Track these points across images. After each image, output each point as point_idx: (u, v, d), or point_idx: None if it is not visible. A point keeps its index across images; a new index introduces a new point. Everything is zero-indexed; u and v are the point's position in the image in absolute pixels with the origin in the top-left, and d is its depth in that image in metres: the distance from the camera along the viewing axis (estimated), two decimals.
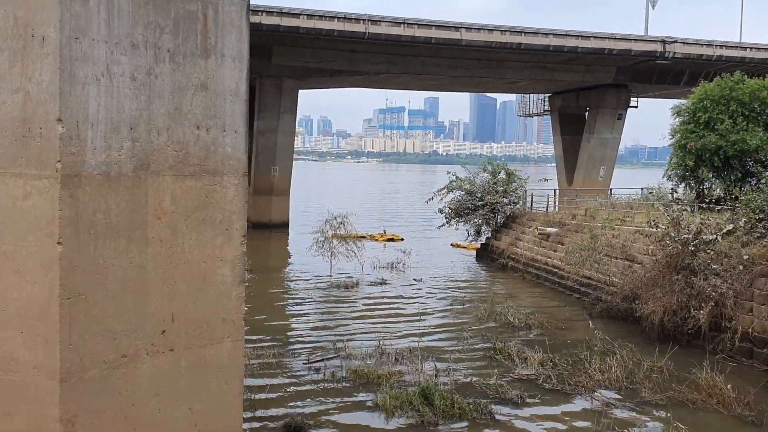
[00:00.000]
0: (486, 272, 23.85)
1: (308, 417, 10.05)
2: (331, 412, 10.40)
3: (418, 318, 16.50)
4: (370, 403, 10.63)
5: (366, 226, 35.59)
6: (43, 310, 4.97)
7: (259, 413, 10.13)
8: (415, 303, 18.26)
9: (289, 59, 33.43)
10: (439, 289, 20.29)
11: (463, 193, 26.62)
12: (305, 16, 30.01)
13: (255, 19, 29.22)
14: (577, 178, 41.39)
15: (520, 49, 33.93)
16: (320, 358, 12.80)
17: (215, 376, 5.88)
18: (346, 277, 21.03)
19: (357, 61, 34.43)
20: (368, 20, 30.78)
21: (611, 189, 34.84)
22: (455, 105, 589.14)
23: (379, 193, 62.45)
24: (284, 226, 35.07)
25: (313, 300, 18.73)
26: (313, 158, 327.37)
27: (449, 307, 17.86)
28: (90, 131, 5.01)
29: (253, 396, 10.73)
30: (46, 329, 4.97)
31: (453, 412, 10.23)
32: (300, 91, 36.10)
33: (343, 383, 11.60)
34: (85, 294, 5.07)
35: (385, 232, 32.55)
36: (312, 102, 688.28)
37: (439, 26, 32.17)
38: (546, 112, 45.54)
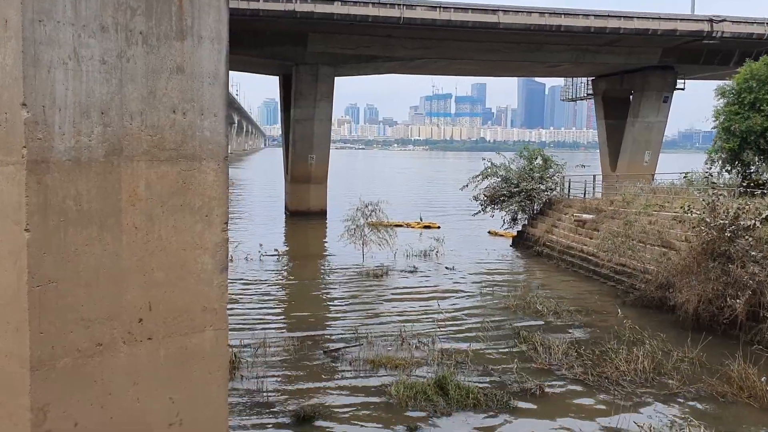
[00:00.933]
0: (520, 260, 23.41)
1: (320, 406, 9.93)
2: (343, 401, 10.25)
3: (440, 306, 16.23)
4: (383, 393, 10.45)
5: (404, 214, 35.37)
6: (12, 297, 4.90)
7: (272, 400, 10.06)
8: (443, 291, 18.00)
9: (324, 46, 33.30)
10: (470, 277, 19.97)
11: (499, 180, 26.16)
12: (339, 2, 29.78)
13: (289, 6, 29.21)
14: (621, 164, 40.34)
15: (559, 32, 33.08)
16: (340, 347, 12.67)
17: (197, 366, 5.76)
18: (377, 266, 20.85)
19: (392, 46, 34.08)
20: (403, 5, 30.39)
21: (655, 174, 33.92)
22: (503, 91, 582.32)
23: (422, 181, 62.03)
24: (322, 214, 35.05)
25: (340, 288, 18.64)
26: (360, 146, 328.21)
27: (478, 296, 17.54)
28: (57, 116, 4.90)
29: (265, 384, 10.68)
30: (16, 317, 4.91)
31: (467, 402, 9.99)
32: (342, 79, 35.88)
33: (360, 372, 11.45)
34: (56, 281, 4.98)
35: (421, 220, 32.27)
36: (358, 90, 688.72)
37: (476, 9, 31.57)
38: (590, 96, 44.41)
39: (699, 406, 10.27)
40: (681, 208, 15.58)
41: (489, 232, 29.28)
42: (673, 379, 11.19)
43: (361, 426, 9.37)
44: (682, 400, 10.46)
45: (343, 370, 11.56)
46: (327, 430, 9.22)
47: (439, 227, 31.47)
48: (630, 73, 39.35)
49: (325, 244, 27.52)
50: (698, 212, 14.59)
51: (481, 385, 10.65)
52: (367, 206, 23.23)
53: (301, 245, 27.73)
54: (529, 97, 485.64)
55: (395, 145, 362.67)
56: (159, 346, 5.52)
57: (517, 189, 25.29)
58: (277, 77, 39.14)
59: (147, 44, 5.25)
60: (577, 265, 20.85)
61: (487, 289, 18.27)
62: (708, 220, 14.18)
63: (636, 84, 39.36)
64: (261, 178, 73.70)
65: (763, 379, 10.90)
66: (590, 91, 43.81)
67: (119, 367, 5.30)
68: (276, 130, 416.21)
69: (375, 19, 30.34)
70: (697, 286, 14.24)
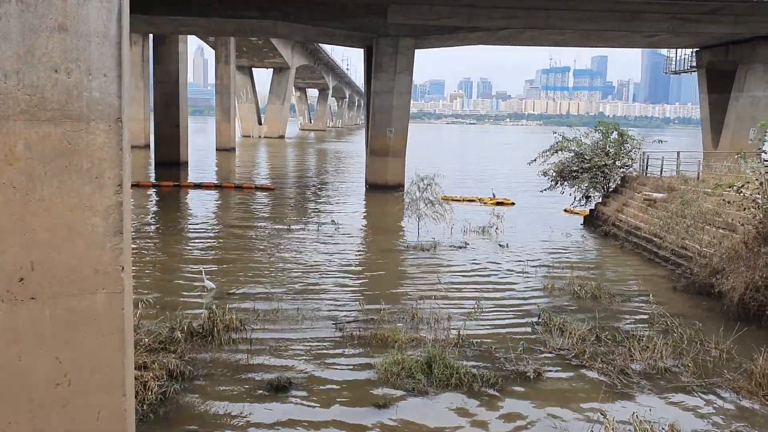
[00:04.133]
0: (584, 240, 22.32)
1: (302, 376, 9.86)
2: (328, 373, 10.12)
3: (466, 285, 15.74)
4: (371, 368, 10.23)
5: (483, 189, 34.68)
6: None
7: (257, 368, 10.07)
8: (483, 269, 17.45)
9: (405, 17, 32.81)
10: (521, 254, 19.22)
11: (572, 155, 25.00)
12: None
13: None
14: (723, 141, 37.63)
15: None
16: (351, 320, 12.52)
17: (89, 328, 5.76)
18: (427, 240, 20.50)
19: (476, 16, 33.10)
20: None
21: (761, 151, 31.40)
22: (625, 64, 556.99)
23: (515, 156, 60.39)
24: (399, 187, 34.84)
25: (379, 260, 18.42)
26: (471, 121, 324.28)
27: (518, 274, 16.85)
28: None
29: (259, 351, 10.72)
30: None
31: (450, 382, 9.61)
32: (454, 53, 35.26)
33: (359, 346, 11.26)
34: None
35: (494, 196, 31.44)
36: (472, 64, 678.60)
37: None
38: (693, 69, 41.56)
39: (703, 401, 9.40)
40: (730, 187, 14.26)
41: (565, 210, 28.12)
42: (689, 371, 10.31)
43: (332, 399, 9.21)
44: (686, 394, 9.61)
45: (342, 343, 11.39)
46: (294, 399, 9.11)
47: (513, 204, 30.60)
48: (736, 44, 36.48)
49: (388, 218, 27.29)
50: (751, 192, 13.30)
51: (475, 367, 10.22)
52: (423, 180, 22.79)
53: (367, 218, 27.72)
54: (654, 70, 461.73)
55: (507, 119, 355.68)
56: (44, 307, 5.56)
57: (588, 165, 24.08)
58: (362, 50, 39.04)
59: (22, 2, 5.21)
60: (641, 247, 19.64)
61: (532, 268, 17.51)
62: (760, 200, 12.90)
63: (743, 56, 36.44)
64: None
65: None
66: (694, 64, 41.00)
67: None
68: None
69: None
70: (744, 272, 13.06)
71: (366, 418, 8.66)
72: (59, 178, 5.47)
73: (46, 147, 5.39)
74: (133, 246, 19.12)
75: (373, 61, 34.62)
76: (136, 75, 64.54)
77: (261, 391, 9.33)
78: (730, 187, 14.38)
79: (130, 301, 6.19)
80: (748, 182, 13.79)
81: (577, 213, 26.94)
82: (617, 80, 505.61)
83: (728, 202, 14.70)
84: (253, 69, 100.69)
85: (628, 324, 12.74)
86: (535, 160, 25.37)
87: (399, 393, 9.40)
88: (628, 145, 24.58)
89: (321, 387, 9.62)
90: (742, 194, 13.46)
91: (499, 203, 30.53)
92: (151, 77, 52.60)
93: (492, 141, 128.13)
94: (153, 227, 22.89)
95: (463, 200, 31.56)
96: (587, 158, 24.30)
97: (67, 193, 5.51)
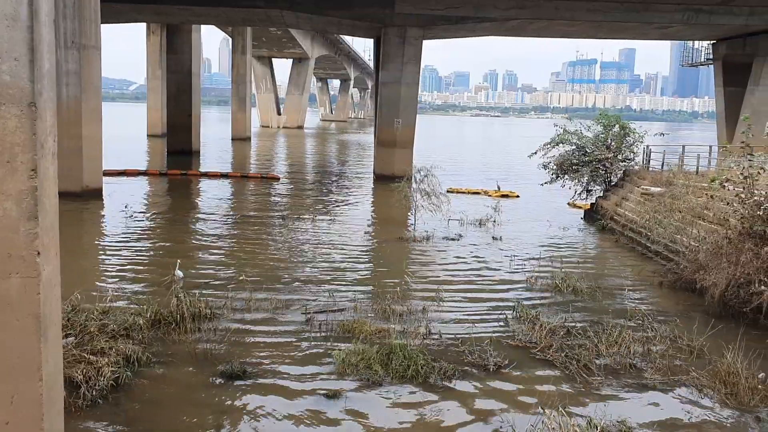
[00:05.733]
0: (580, 233, 22.06)
1: (259, 365, 9.84)
2: (286, 363, 10.08)
3: (446, 277, 15.62)
4: (330, 359, 10.19)
5: (489, 182, 34.46)
6: None
7: (217, 357, 10.06)
8: (473, 261, 17.32)
9: (413, 7, 32.63)
10: (513, 247, 19.05)
11: (573, 147, 24.68)
12: None
13: None
14: (738, 135, 36.82)
15: None
16: (320, 310, 12.47)
17: (2, 313, 5.78)
18: (421, 232, 20.40)
19: (483, 6, 32.82)
20: None
21: None
22: (654, 57, 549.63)
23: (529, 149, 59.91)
24: (404, 178, 34.67)
25: (366, 252, 18.37)
26: (495, 114, 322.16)
27: (505, 268, 16.68)
28: None
29: (222, 340, 10.73)
30: None
31: (406, 374, 9.54)
32: (481, 44, 35.11)
33: (323, 337, 11.21)
34: None
35: (499, 189, 31.19)
36: (498, 56, 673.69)
37: None
38: (710, 62, 40.83)
39: (660, 399, 9.22)
40: (712, 180, 13.95)
41: (569, 204, 27.83)
42: (653, 367, 10.14)
43: (283, 388, 9.18)
44: (643, 390, 9.44)
45: (307, 335, 11.34)
46: (245, 388, 9.10)
47: (518, 196, 30.37)
48: (753, 36, 35.76)
49: (387, 210, 27.15)
50: (734, 186, 13.00)
51: (437, 359, 10.13)
52: (419, 171, 22.68)
53: (366, 209, 27.67)
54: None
55: (532, 112, 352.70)
56: None
57: (588, 158, 23.77)
58: (373, 40, 38.91)
59: None
60: (636, 241, 19.36)
61: (520, 260, 17.34)
62: (742, 195, 12.61)
63: (759, 48, 35.73)
64: None
65: (761, 375, 9.71)
66: (710, 57, 40.28)
67: None
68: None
69: None
70: (726, 268, 12.79)
71: (312, 408, 8.62)
72: None
73: None
74: (131, 231, 19.35)
75: (381, 51, 34.50)
76: (155, 64, 65.00)
77: (214, 379, 9.33)
78: (712, 181, 14.08)
79: (53, 286, 6.18)
80: (730, 177, 13.47)
81: (580, 207, 26.64)
82: (645, 73, 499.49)
83: (711, 197, 14.39)
84: (273, 59, 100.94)
85: (603, 318, 12.52)
86: (535, 152, 25.10)
87: (353, 384, 9.34)
88: (629, 138, 24.20)
89: (275, 376, 9.60)
90: (725, 188, 13.15)
91: (504, 196, 30.31)
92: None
93: (514, 133, 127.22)
94: (150, 214, 23.01)
95: (468, 192, 31.40)
96: (588, 151, 23.97)
97: None
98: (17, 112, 5.62)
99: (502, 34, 37.86)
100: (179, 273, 13.79)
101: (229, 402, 8.71)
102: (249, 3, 32.20)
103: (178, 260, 14.48)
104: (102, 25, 26.02)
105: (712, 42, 40.11)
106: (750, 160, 12.97)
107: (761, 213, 12.29)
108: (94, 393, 8.48)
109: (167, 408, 8.51)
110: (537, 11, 33.18)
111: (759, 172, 12.75)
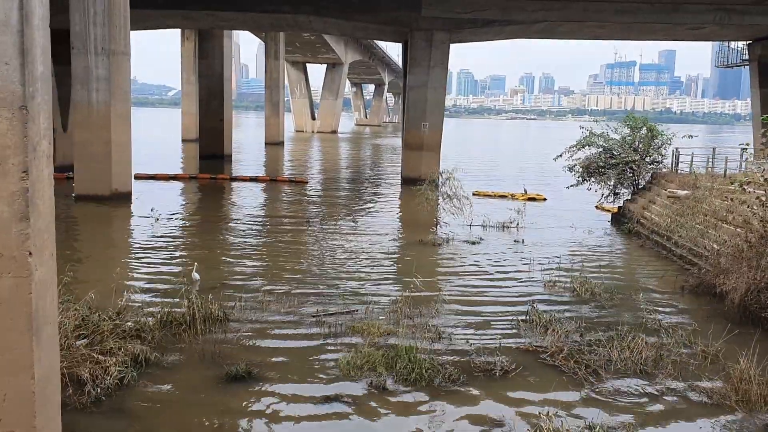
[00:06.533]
0: (606, 237, 21.75)
1: (264, 368, 9.88)
2: (293, 365, 10.12)
3: (462, 281, 15.51)
4: (336, 361, 10.18)
5: (518, 185, 34.17)
6: None
7: (224, 356, 10.14)
8: (493, 265, 17.19)
9: (439, 11, 32.58)
10: (534, 251, 18.83)
11: (600, 150, 24.35)
12: None
13: None
14: (757, 137, 36.00)
15: None
16: (330, 313, 12.49)
17: None
18: (443, 235, 20.33)
19: (511, 9, 32.62)
20: None
21: None
22: (694, 58, 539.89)
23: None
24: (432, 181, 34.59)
25: (384, 254, 18.28)
26: (532, 117, 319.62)
27: (524, 272, 16.51)
28: None
29: (231, 341, 10.81)
30: None
31: (410, 377, 9.49)
32: (517, 46, 35.03)
33: (331, 339, 11.21)
34: None
35: (525, 192, 30.92)
36: (533, 59, 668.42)
37: None
38: (745, 63, 39.96)
39: (668, 405, 9.03)
40: (733, 183, 13.62)
41: (596, 207, 27.44)
42: (665, 373, 9.93)
43: (286, 391, 9.20)
44: (651, 397, 9.25)
45: (317, 335, 11.37)
46: (249, 390, 9.15)
47: (545, 199, 30.08)
48: None
49: (411, 213, 27.07)
50: (752, 189, 12.69)
51: (444, 362, 10.06)
52: (441, 174, 22.60)
53: (390, 212, 27.67)
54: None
55: (569, 115, 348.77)
56: None
57: (614, 160, 23.43)
58: (401, 44, 38.93)
59: None
60: (661, 245, 19.02)
61: (540, 264, 17.14)
62: (763, 198, 12.30)
63: None
64: None
65: (758, 381, 9.43)
66: (746, 57, 39.42)
67: None
68: (449, 100, 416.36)
69: None
70: (747, 272, 12.49)
71: (313, 410, 8.63)
72: None
73: None
74: (156, 234, 19.61)
75: (408, 54, 34.49)
76: (189, 69, 65.98)
77: (218, 381, 9.40)
78: (732, 183, 13.76)
79: (47, 286, 6.29)
80: (751, 180, 13.15)
81: (608, 210, 26.27)
82: (686, 75, 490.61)
83: (731, 200, 14.07)
84: (308, 65, 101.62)
85: (618, 323, 12.30)
86: (561, 155, 24.83)
87: (356, 386, 9.33)
88: (657, 140, 23.80)
89: (280, 379, 9.63)
90: (745, 191, 12.84)
91: (531, 199, 30.05)
92: None
93: (549, 136, 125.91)
94: (175, 217, 23.32)
95: (495, 196, 31.21)
96: (615, 154, 23.63)
97: None
98: (8, 114, 5.74)
99: (531, 37, 37.54)
100: (196, 275, 13.94)
101: (230, 403, 8.76)
102: (275, 8, 32.49)
103: (195, 263, 14.64)
104: (142, 32, 26.51)
105: (747, 42, 39.25)
106: None
107: None
108: (98, 391, 8.62)
109: (168, 407, 8.61)
110: (564, 13, 32.87)
111: None
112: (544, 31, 36.32)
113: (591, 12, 32.76)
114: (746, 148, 13.36)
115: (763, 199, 12.32)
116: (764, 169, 12.71)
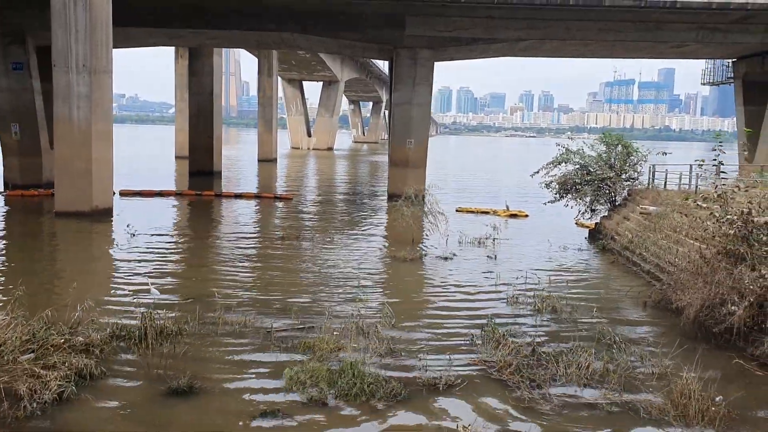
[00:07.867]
0: (580, 254, 21.77)
1: (208, 382, 9.91)
2: (237, 380, 10.14)
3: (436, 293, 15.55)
4: (281, 376, 10.21)
5: (500, 202, 34.27)
6: None
7: (169, 373, 10.15)
8: (461, 280, 17.23)
9: (423, 29, 32.86)
10: (504, 266, 18.90)
11: (577, 167, 24.47)
12: None
13: None
14: (759, 154, 36.20)
15: (675, 9, 30.36)
16: (284, 328, 12.52)
17: None
18: (416, 251, 20.39)
19: (494, 28, 32.90)
20: None
21: None
22: (694, 75, 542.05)
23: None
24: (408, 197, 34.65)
25: (352, 270, 18.24)
26: (530, 134, 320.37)
27: (490, 287, 16.56)
28: None
29: (180, 356, 10.84)
30: None
31: (351, 392, 9.52)
32: (516, 64, 35.09)
33: (281, 355, 11.23)
34: None
35: (507, 208, 31.01)
36: (532, 77, 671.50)
37: None
38: (730, 80, 40.20)
39: (604, 419, 9.04)
40: (686, 199, 13.69)
41: (576, 224, 27.54)
42: (605, 388, 9.96)
43: (225, 405, 9.23)
44: (589, 411, 9.27)
45: (266, 351, 11.39)
46: (189, 404, 9.17)
47: (527, 216, 30.18)
48: None
49: (389, 229, 27.17)
50: (707, 206, 12.76)
51: (390, 377, 10.08)
52: (414, 191, 22.71)
53: (370, 228, 27.70)
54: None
55: (568, 132, 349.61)
56: None
57: (590, 177, 23.53)
58: (387, 62, 39.21)
59: None
60: (631, 261, 19.07)
61: (507, 279, 17.18)
62: (717, 214, 12.37)
63: None
64: None
65: (718, 399, 9.45)
66: (731, 75, 39.67)
67: None
68: (449, 118, 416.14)
69: None
70: (702, 288, 12.53)
71: (249, 424, 8.65)
72: None
73: None
74: (132, 250, 19.66)
75: (393, 72, 34.73)
76: (182, 87, 66.32)
77: (160, 396, 9.43)
78: (686, 200, 13.83)
79: None
80: (706, 196, 13.23)
81: (587, 226, 26.34)
82: (685, 93, 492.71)
83: (685, 215, 14.14)
84: (303, 82, 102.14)
85: (574, 339, 12.33)
86: (537, 172, 24.94)
87: (296, 402, 9.35)
88: (633, 157, 23.92)
89: (222, 393, 9.66)
90: (699, 207, 12.91)
91: (512, 215, 30.14)
92: None
93: (547, 153, 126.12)
94: (152, 233, 23.38)
95: (478, 212, 31.30)
96: (591, 170, 23.75)
97: None
98: None
99: (516, 54, 37.79)
100: (154, 290, 14.00)
101: (167, 417, 8.79)
102: (260, 26, 32.76)
103: (149, 279, 14.71)
104: (143, 50, 26.76)
105: (732, 60, 39.52)
106: (725, 179, 12.72)
107: (734, 232, 12.03)
108: (34, 406, 8.64)
109: (106, 421, 8.63)
110: (548, 32, 33.13)
111: (734, 191, 12.50)
112: (529, 49, 36.59)
113: (574, 30, 33.04)
114: (701, 165, 13.47)
115: (717, 215, 12.39)
116: (716, 186, 12.79)
